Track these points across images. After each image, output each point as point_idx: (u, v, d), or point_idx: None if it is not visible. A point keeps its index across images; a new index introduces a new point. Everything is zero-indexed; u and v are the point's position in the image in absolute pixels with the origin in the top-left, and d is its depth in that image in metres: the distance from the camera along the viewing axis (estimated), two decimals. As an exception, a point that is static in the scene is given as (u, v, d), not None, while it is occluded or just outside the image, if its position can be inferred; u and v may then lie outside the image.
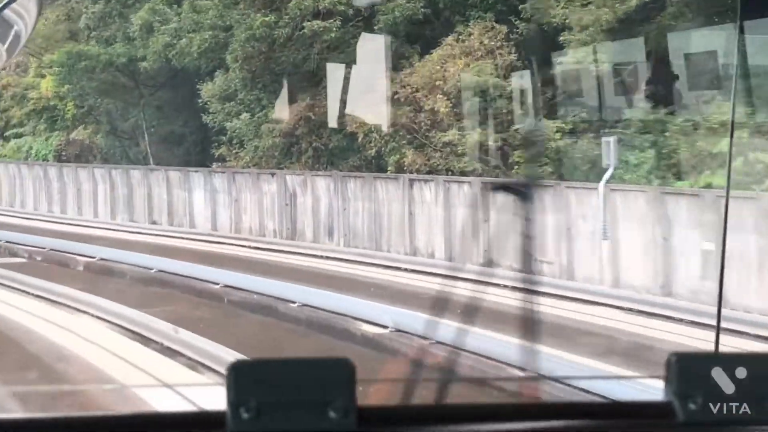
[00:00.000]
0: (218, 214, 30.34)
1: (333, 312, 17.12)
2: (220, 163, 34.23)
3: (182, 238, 29.33)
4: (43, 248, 27.32)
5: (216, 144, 34.21)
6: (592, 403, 1.43)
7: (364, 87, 28.33)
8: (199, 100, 33.44)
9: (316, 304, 17.66)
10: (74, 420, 1.15)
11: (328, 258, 24.42)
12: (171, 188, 32.47)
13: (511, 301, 20.04)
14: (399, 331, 15.52)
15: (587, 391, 9.18)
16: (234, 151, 32.96)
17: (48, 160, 41.51)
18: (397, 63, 27.05)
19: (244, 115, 31.17)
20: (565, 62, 22.86)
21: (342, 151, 29.47)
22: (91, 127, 41.36)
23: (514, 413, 1.26)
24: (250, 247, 26.66)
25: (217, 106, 32.47)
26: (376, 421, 1.17)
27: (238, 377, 1.16)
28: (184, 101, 38.08)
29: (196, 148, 37.51)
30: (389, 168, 27.13)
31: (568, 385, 8.29)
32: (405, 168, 26.16)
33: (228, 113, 32.07)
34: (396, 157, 26.79)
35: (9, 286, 20.90)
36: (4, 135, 50.20)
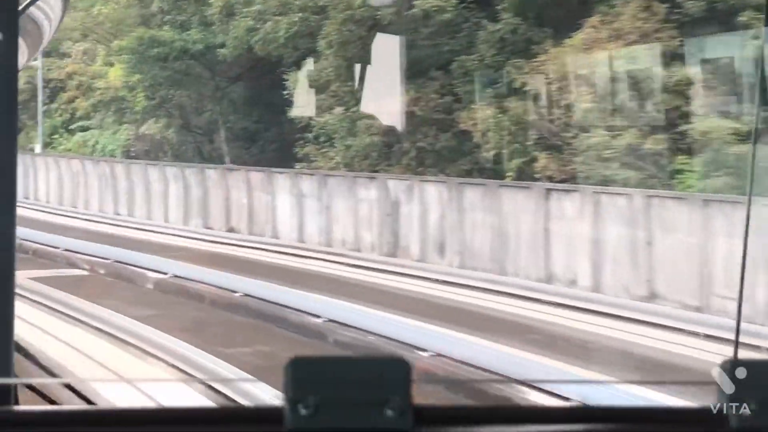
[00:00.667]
0: (306, 222, 26.18)
1: (479, 367, 12.82)
2: (304, 164, 30.19)
3: (264, 249, 25.24)
4: (107, 259, 23.37)
5: (301, 142, 30.16)
6: (643, 408, 1.29)
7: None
8: (285, 93, 29.40)
9: (455, 355, 13.38)
10: (126, 412, 1.11)
11: (439, 281, 20.17)
12: (252, 191, 28.43)
13: (694, 352, 15.57)
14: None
15: None
16: (322, 151, 28.86)
17: (115, 156, 37.76)
18: (525, 49, 22.72)
19: (337, 110, 27.03)
20: (742, 48, 18.33)
21: (450, 152, 25.20)
22: (162, 120, 37.50)
23: (565, 416, 1.22)
24: (343, 263, 22.47)
25: (305, 98, 28.37)
26: (431, 420, 1.14)
27: (297, 373, 1.11)
28: (266, 94, 34.11)
29: (277, 146, 33.47)
30: (509, 174, 22.81)
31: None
32: (534, 174, 21.83)
33: (318, 107, 27.95)
34: (520, 160, 22.46)
35: (65, 314, 16.90)
36: (69, 128, 46.70)
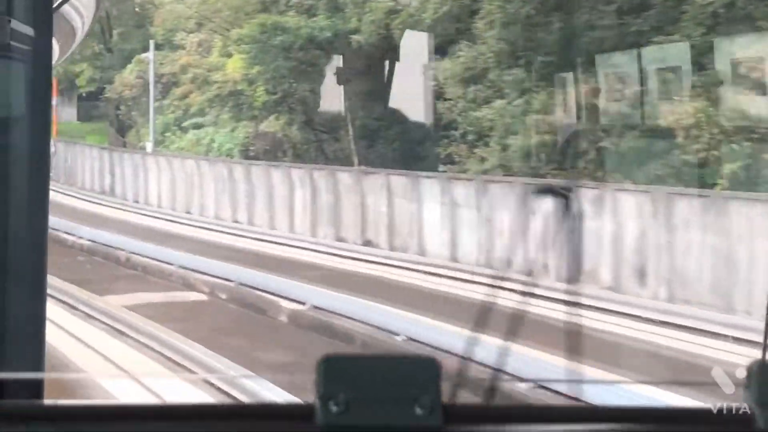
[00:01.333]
0: (460, 237, 21.81)
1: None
2: (448, 166, 25.89)
3: (409, 269, 20.96)
4: (230, 281, 19.35)
5: (446, 140, 25.87)
6: (670, 408, 1.40)
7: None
8: (434, 84, 25.15)
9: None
10: (154, 408, 1.12)
11: (646, 319, 15.63)
12: (392, 198, 24.19)
13: None
14: None
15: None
16: (475, 151, 24.54)
17: (232, 156, 33.96)
18: (745, 27, 18.05)
19: (498, 103, 22.64)
20: None
21: (638, 153, 20.61)
22: (283, 117, 33.58)
23: (594, 415, 1.22)
24: (508, 288, 18.02)
25: (455, 90, 24.06)
26: (461, 418, 1.14)
27: (328, 371, 1.12)
28: (394, 86, 29.91)
29: (417, 145, 29.24)
30: (720, 181, 18.18)
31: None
32: (755, 181, 17.18)
33: (472, 100, 23.63)
34: (736, 164, 17.81)
35: (180, 364, 12.84)
36: (182, 125, 43.21)
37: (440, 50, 25.79)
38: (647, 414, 1.26)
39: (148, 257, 22.67)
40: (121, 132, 51.23)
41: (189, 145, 41.50)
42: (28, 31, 2.23)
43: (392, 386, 1.14)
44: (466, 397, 1.23)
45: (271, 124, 33.23)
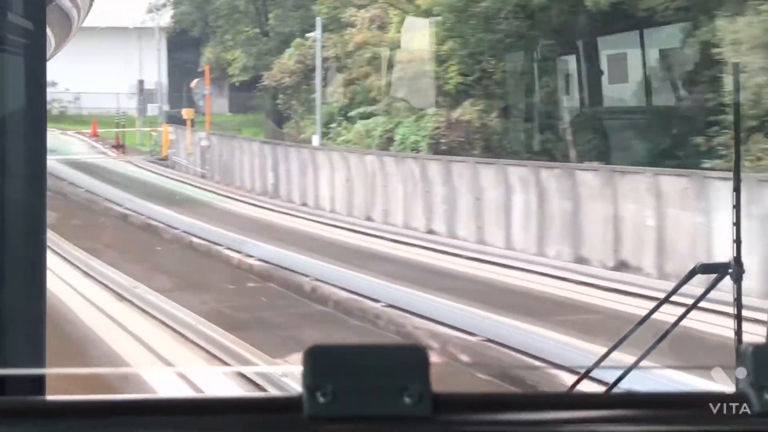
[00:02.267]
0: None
1: None
2: (716, 160, 19.38)
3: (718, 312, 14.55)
4: (472, 334, 13.26)
5: (715, 127, 19.39)
6: (661, 393, 1.26)
7: None
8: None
9: None
10: (147, 402, 1.13)
11: None
12: (663, 207, 17.76)
13: None
14: None
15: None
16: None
17: (418, 150, 27.95)
18: None
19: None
20: None
21: None
22: (480, 102, 27.41)
23: (587, 402, 1.21)
24: None
25: (751, 59, 17.47)
26: (450, 407, 1.13)
27: (315, 362, 1.11)
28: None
29: (662, 134, 22.70)
30: None
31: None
32: None
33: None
34: None
35: None
36: (348, 115, 37.49)
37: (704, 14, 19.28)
38: (635, 399, 1.21)
39: (340, 287, 16.83)
40: (278, 123, 45.95)
41: (357, 138, 35.78)
42: (23, 23, 2.17)
43: (380, 376, 1.10)
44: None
45: (466, 111, 27.07)
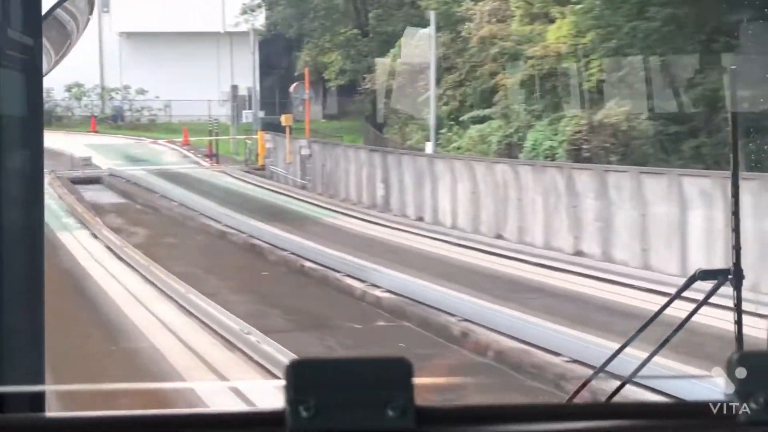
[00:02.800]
0: None
1: None
2: None
3: None
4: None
5: None
6: (650, 403, 1.29)
7: None
8: None
9: None
10: (127, 418, 1.12)
11: None
12: None
13: None
14: None
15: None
16: None
17: (553, 157, 24.27)
18: None
19: None
20: None
21: None
22: (626, 102, 23.63)
23: (574, 413, 1.19)
24: None
25: None
26: (434, 420, 1.12)
27: (297, 376, 1.10)
28: None
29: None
30: None
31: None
32: None
33: None
34: None
35: None
36: (459, 119, 33.97)
37: None
38: (625, 409, 1.18)
39: (501, 332, 13.27)
40: (380, 129, 42.61)
41: (470, 144, 32.29)
42: (19, 38, 2.16)
43: (363, 389, 1.09)
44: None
45: (611, 113, 23.31)
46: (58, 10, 3.32)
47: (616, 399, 2.43)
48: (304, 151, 33.41)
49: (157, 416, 1.12)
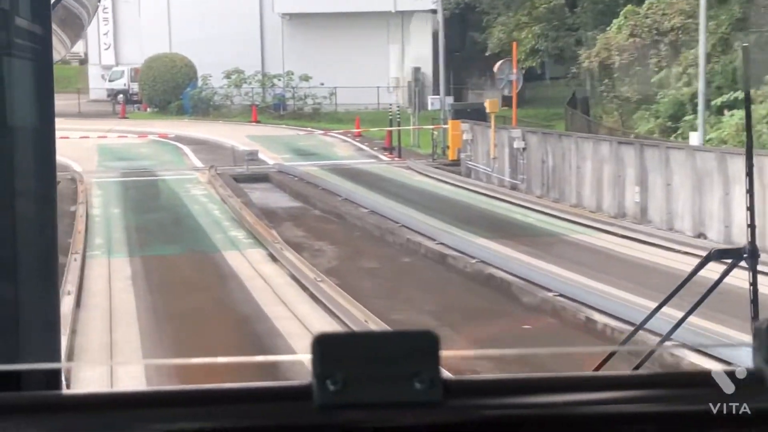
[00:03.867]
0: None
1: None
2: None
3: None
4: None
5: None
6: (675, 373, 1.22)
7: None
8: None
9: None
10: (149, 394, 1.12)
11: None
12: None
13: None
14: None
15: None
16: None
17: None
18: None
19: None
20: None
21: None
22: None
23: (600, 383, 1.17)
24: None
25: None
26: (461, 392, 1.11)
27: (324, 350, 1.08)
28: None
29: None
30: None
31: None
32: None
33: None
34: None
35: None
36: (714, 103, 26.50)
37: None
38: (657, 380, 1.16)
39: None
40: (587, 113, 35.34)
41: (732, 134, 25.04)
42: (30, 27, 2.13)
43: (390, 362, 1.08)
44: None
45: None
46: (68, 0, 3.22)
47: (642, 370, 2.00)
48: (518, 144, 26.41)
49: (180, 392, 1.10)
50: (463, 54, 53.90)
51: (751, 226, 2.58)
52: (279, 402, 1.10)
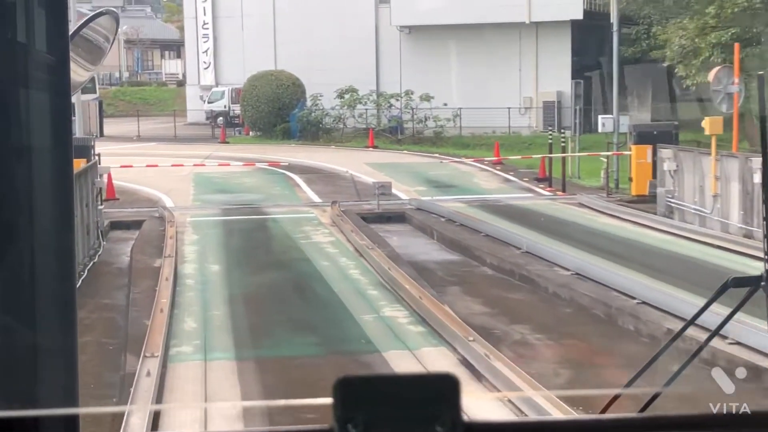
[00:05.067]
0: None
1: None
2: None
3: None
4: None
5: None
6: (685, 416, 1.14)
7: None
8: None
9: None
10: None
11: None
12: None
13: None
14: None
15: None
16: None
17: None
18: None
19: None
20: None
21: None
22: None
23: (609, 426, 1.13)
24: None
25: None
26: None
27: (345, 393, 1.08)
28: None
29: None
30: None
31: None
32: None
33: None
34: None
35: None
36: None
37: None
38: (664, 422, 1.10)
39: None
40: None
41: None
42: (46, 59, 2.10)
43: (411, 405, 1.07)
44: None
45: None
46: (86, 30, 3.22)
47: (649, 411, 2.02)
48: (758, 178, 18.63)
49: None
50: (602, 71, 46.14)
51: None
52: None
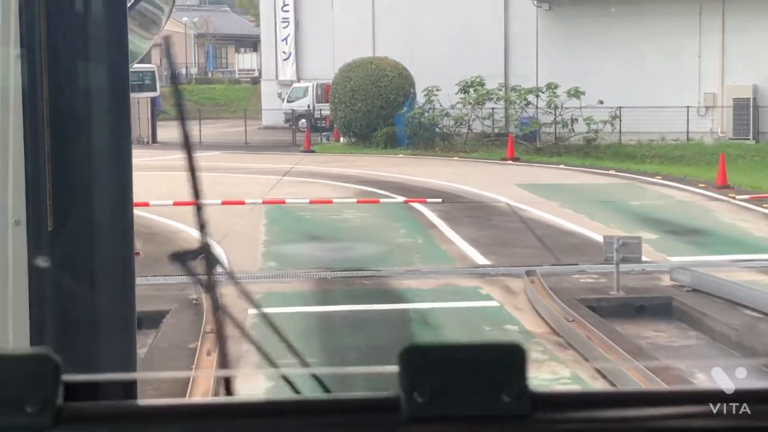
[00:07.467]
0: None
1: None
2: None
3: None
4: None
5: None
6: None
7: None
8: None
9: None
10: (226, 405, 1.08)
11: None
12: None
13: None
14: None
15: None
16: None
17: None
18: None
19: None
20: None
21: None
22: None
23: (690, 398, 1.11)
24: None
25: None
26: (549, 405, 1.07)
27: (411, 362, 1.05)
28: None
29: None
30: None
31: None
32: None
33: None
34: None
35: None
36: None
37: None
38: (750, 394, 1.06)
39: None
40: None
41: None
42: (104, 33, 2.10)
43: (478, 374, 1.05)
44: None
45: None
46: (142, 4, 3.13)
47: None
48: None
49: (264, 402, 1.07)
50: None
51: None
52: (367, 414, 1.06)
